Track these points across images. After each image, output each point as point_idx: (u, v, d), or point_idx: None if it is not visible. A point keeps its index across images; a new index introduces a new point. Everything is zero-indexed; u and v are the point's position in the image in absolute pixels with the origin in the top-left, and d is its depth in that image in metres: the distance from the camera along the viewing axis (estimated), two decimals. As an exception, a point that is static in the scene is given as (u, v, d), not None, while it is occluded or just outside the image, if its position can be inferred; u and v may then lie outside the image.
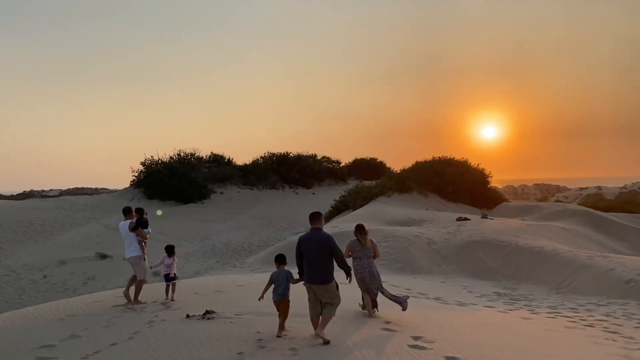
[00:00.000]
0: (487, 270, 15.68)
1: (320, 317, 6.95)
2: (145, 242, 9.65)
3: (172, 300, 9.50)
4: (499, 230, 18.34)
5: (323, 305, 7.03)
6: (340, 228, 20.69)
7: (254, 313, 8.11)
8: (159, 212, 32.53)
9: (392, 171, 41.94)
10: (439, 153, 36.93)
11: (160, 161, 39.19)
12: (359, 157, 54.69)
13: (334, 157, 51.19)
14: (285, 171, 45.52)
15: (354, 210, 30.16)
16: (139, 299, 9.36)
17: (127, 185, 39.81)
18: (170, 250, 9.88)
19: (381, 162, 54.81)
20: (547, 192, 75.08)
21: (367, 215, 25.27)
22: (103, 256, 24.50)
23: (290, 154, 47.27)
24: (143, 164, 38.79)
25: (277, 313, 7.14)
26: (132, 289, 9.45)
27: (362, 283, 8.37)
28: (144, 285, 9.60)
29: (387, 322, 7.83)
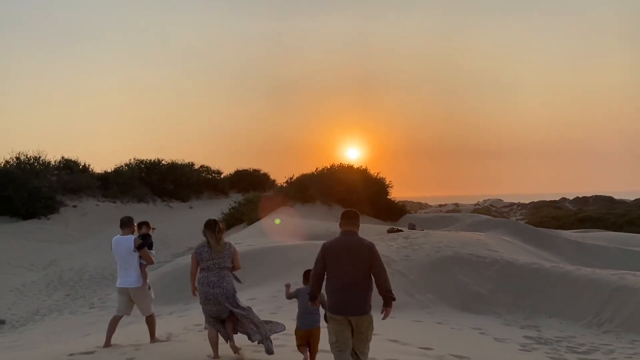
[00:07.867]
0: (478, 299, 11.12)
1: None
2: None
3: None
4: (466, 243, 14.01)
5: (355, 347, 4.72)
6: (249, 245, 15.11)
7: None
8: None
9: (280, 182, 36.74)
10: (312, 168, 32.03)
11: (-9, 166, 30.26)
12: (241, 168, 48.73)
13: (214, 167, 44.75)
14: (156, 181, 38.47)
15: (250, 224, 24.59)
16: (157, 336, 6.96)
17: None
18: None
19: (265, 174, 49.50)
20: (409, 208, 75.28)
21: (275, 228, 19.92)
22: None
23: (163, 162, 40.26)
24: (-33, 169, 29.59)
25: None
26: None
27: (207, 306, 5.77)
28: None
29: None
